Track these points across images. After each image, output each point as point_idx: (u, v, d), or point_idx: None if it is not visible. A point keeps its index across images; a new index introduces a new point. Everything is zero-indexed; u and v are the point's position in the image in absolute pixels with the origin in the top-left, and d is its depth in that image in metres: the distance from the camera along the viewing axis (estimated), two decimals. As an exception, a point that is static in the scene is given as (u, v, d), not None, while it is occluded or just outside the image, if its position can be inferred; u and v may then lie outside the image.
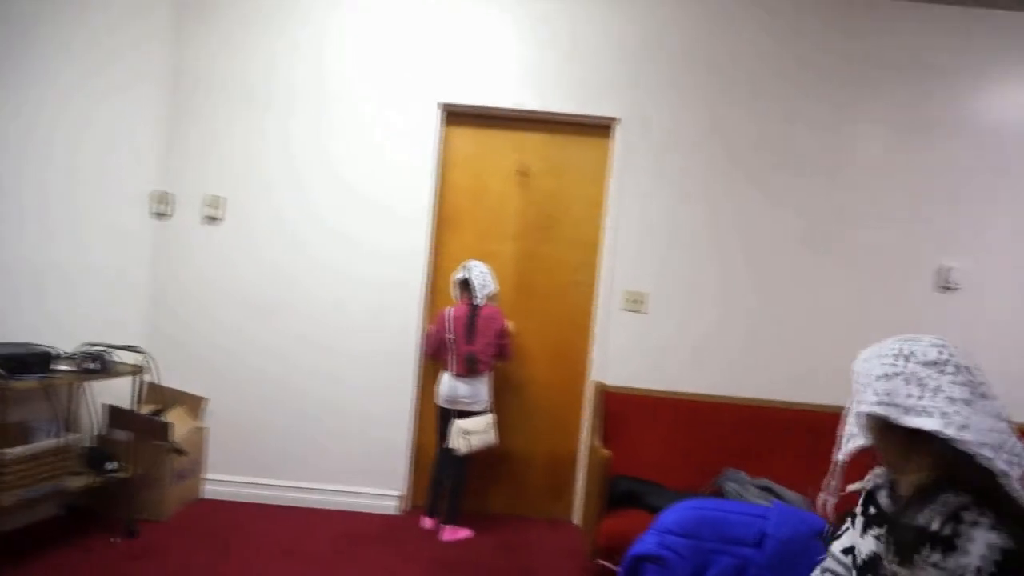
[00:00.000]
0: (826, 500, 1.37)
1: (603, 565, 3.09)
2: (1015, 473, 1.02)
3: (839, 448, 1.25)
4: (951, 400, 1.07)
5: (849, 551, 1.30)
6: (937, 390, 1.08)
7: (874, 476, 1.27)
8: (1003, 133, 3.65)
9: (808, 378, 3.60)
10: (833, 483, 1.34)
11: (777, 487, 3.00)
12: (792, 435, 3.36)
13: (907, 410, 1.10)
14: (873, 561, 1.18)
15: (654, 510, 2.80)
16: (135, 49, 3.45)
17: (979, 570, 0.98)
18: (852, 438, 1.22)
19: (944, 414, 1.06)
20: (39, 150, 3.00)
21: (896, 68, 3.63)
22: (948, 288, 3.63)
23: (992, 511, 1.02)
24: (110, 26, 3.29)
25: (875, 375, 1.16)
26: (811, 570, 1.93)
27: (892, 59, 3.63)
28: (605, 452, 2.84)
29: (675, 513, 1.96)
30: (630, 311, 3.66)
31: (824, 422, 3.34)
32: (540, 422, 3.82)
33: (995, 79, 3.65)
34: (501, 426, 3.55)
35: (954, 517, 1.04)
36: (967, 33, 3.63)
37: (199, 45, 3.65)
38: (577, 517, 3.73)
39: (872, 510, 1.24)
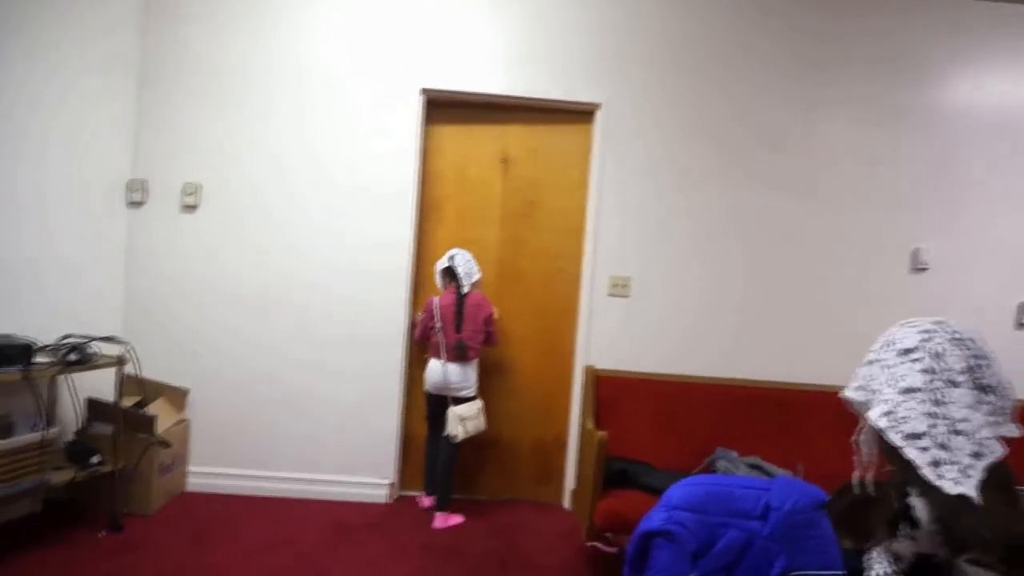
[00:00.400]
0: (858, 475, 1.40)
1: (596, 547, 3.15)
2: (923, 461, 1.05)
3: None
4: (897, 388, 1.10)
5: None
6: (894, 377, 1.11)
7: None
8: (974, 119, 3.76)
9: (792, 357, 3.68)
10: (858, 459, 1.36)
11: (766, 465, 3.07)
12: (779, 414, 3.43)
13: (874, 397, 1.14)
14: None
15: (648, 490, 2.86)
16: (106, 36, 3.34)
17: (932, 531, 1.04)
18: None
19: (881, 402, 1.11)
20: (12, 142, 2.92)
21: (873, 54, 3.71)
22: (921, 269, 3.74)
23: (918, 484, 1.07)
24: (80, 13, 3.19)
25: (864, 360, 1.20)
26: (814, 540, 1.98)
27: (869, 45, 3.71)
28: (601, 433, 2.86)
29: (682, 489, 1.98)
30: (615, 296, 3.69)
31: (808, 401, 3.46)
32: (527, 407, 3.83)
33: (968, 67, 3.75)
34: (489, 411, 3.56)
35: (904, 494, 1.09)
36: (943, 22, 3.72)
37: (172, 30, 3.53)
38: (567, 500, 3.76)
39: None
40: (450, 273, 3.46)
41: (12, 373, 2.53)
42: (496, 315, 3.56)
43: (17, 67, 2.91)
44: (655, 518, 1.95)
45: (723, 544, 1.91)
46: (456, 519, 3.44)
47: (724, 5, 3.67)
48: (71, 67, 3.17)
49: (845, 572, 1.98)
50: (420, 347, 3.64)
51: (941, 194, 3.77)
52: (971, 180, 3.77)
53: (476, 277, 3.47)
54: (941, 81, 3.76)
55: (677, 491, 2.00)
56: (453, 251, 3.48)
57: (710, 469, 3.12)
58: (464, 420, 3.36)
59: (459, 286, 3.43)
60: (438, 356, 3.42)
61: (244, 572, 2.75)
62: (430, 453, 3.57)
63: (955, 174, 3.77)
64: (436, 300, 3.45)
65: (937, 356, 1.09)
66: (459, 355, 3.38)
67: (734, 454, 3.16)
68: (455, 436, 3.35)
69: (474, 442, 3.56)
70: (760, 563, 1.92)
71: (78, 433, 3.17)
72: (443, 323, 3.39)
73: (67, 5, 3.13)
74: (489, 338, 3.48)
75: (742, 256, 3.72)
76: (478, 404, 3.45)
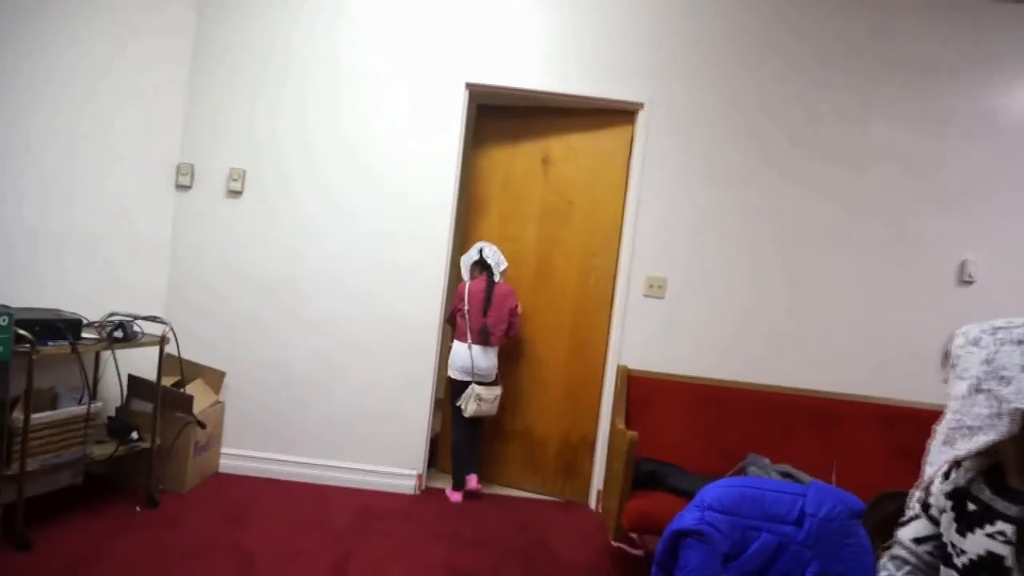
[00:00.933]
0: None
1: (623, 549, 3.14)
2: None
3: (951, 444, 1.14)
4: None
5: (922, 541, 1.28)
6: None
7: (963, 471, 1.21)
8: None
9: (830, 366, 3.63)
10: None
11: (798, 473, 3.02)
12: (814, 422, 3.37)
13: None
14: (991, 561, 1.13)
15: (678, 492, 2.84)
16: (158, 21, 3.42)
17: None
18: (979, 432, 1.11)
19: None
20: (66, 120, 3.01)
21: (924, 59, 3.63)
22: (968, 282, 3.65)
23: None
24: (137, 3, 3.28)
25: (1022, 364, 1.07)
26: (848, 548, 1.95)
27: (920, 49, 3.63)
28: (632, 433, 2.85)
29: (716, 490, 1.97)
30: (651, 297, 3.67)
31: (845, 410, 3.41)
32: (556, 402, 3.85)
33: (1021, 76, 3.66)
34: (519, 403, 3.74)
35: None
36: (996, 29, 3.62)
37: (225, 16, 3.60)
38: (592, 500, 3.75)
39: (972, 507, 1.18)
40: (480, 264, 3.67)
41: (62, 346, 2.61)
42: (519, 309, 3.72)
43: (77, 53, 3.00)
44: (688, 517, 1.94)
45: (756, 547, 1.90)
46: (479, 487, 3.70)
47: (774, 5, 3.62)
48: (128, 53, 3.25)
49: (879, 583, 1.95)
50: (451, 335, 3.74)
51: (991, 205, 3.67)
52: (1018, 191, 3.67)
53: (504, 267, 3.68)
54: (993, 88, 3.65)
55: (711, 491, 1.98)
56: (480, 244, 3.70)
57: (741, 474, 3.08)
58: (481, 400, 3.54)
59: (490, 275, 3.63)
60: (463, 339, 3.61)
61: (274, 551, 2.79)
62: (459, 440, 3.69)
63: (1006, 185, 3.67)
64: (468, 285, 3.66)
65: None
66: (483, 339, 3.57)
67: (766, 460, 3.11)
68: (464, 409, 3.54)
69: (505, 433, 3.73)
70: (792, 568, 1.90)
71: (119, 409, 3.25)
72: (471, 307, 3.59)
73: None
74: (511, 328, 3.66)
75: (781, 262, 3.67)
76: (497, 391, 3.64)
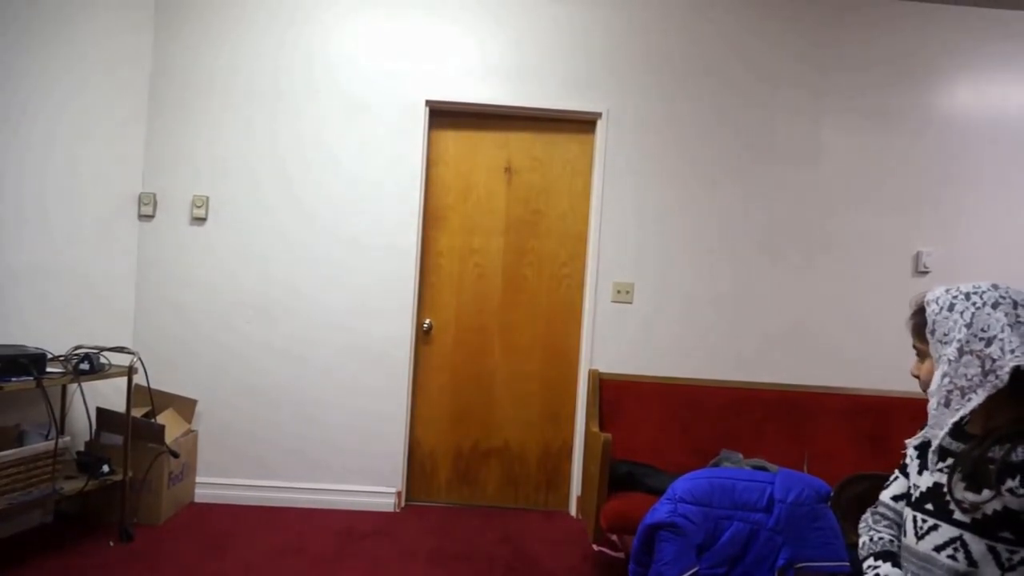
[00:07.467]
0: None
1: (604, 552, 3.16)
2: None
3: (948, 406, 1.22)
4: None
5: (900, 498, 1.39)
6: None
7: (929, 429, 1.29)
8: (975, 123, 3.81)
9: (797, 360, 3.72)
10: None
11: (771, 465, 3.07)
12: (784, 416, 3.45)
13: None
14: (932, 490, 1.25)
15: (654, 492, 2.86)
16: (118, 53, 3.42)
17: None
18: (970, 391, 1.20)
19: None
20: (30, 154, 2.99)
21: (873, 59, 3.78)
22: (923, 272, 3.78)
23: None
24: (93, 27, 3.27)
25: (1008, 323, 1.17)
26: (817, 532, 2.00)
27: (869, 50, 3.78)
28: (606, 435, 2.89)
29: (687, 482, 2.01)
30: (619, 302, 3.73)
31: (813, 402, 3.49)
32: (534, 414, 3.86)
33: (969, 71, 3.82)
34: (496, 419, 3.70)
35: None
36: (945, 28, 3.79)
37: (182, 44, 3.61)
38: (573, 507, 3.77)
39: (931, 451, 1.29)
40: None
41: (26, 382, 2.56)
42: None
43: (34, 85, 2.98)
44: (661, 510, 1.97)
45: (728, 536, 1.94)
46: None
47: (726, 15, 3.74)
48: (86, 84, 3.25)
49: (848, 564, 2.00)
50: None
51: (942, 198, 3.81)
52: (972, 184, 3.82)
53: None
54: (942, 85, 3.82)
55: (682, 484, 2.02)
56: None
57: (715, 470, 3.13)
58: None
59: None
60: None
61: (253, 578, 2.77)
62: None
63: (956, 178, 3.81)
64: None
65: None
66: None
67: (739, 455, 3.17)
68: None
69: (482, 451, 3.66)
70: (765, 554, 1.94)
71: (88, 443, 3.20)
72: None
73: (81, 21, 3.20)
74: None
75: (742, 262, 3.76)
76: None
